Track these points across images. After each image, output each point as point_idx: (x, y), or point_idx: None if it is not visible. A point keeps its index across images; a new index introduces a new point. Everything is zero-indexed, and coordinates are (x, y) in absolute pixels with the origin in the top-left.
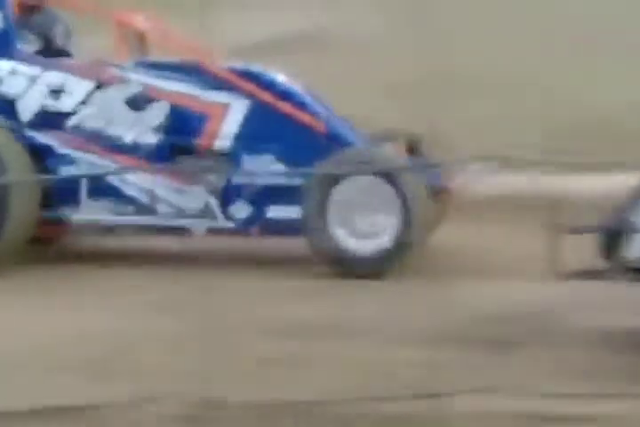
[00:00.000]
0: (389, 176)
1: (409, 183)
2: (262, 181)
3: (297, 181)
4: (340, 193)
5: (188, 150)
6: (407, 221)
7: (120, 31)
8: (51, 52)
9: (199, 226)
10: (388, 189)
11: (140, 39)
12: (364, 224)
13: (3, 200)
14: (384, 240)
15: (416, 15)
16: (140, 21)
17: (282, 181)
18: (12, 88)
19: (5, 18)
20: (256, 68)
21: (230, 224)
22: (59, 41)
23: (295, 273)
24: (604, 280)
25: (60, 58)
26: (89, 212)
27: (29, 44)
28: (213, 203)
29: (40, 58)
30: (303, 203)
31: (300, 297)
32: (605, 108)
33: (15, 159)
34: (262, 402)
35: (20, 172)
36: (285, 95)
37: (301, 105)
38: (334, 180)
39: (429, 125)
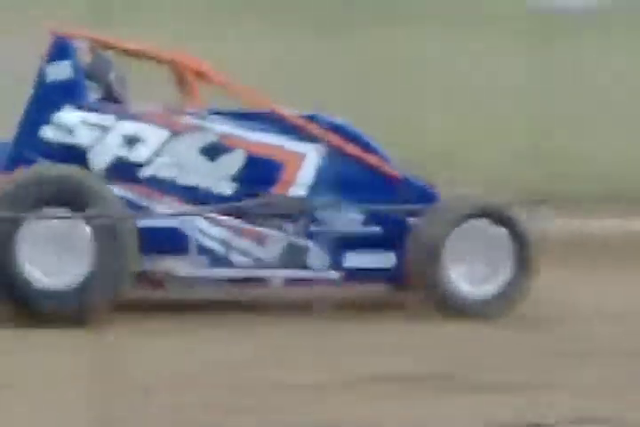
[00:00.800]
0: (504, 220)
1: (523, 227)
2: (340, 228)
3: (375, 229)
4: (450, 238)
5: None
6: (522, 266)
7: (193, 78)
8: (111, 99)
9: (278, 276)
10: (502, 233)
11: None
12: (477, 268)
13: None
14: (498, 284)
15: None
16: (207, 67)
17: (360, 228)
18: (83, 138)
19: (74, 67)
20: (324, 113)
21: (309, 273)
22: (115, 88)
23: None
24: None
25: (133, 106)
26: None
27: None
28: (291, 252)
29: (113, 106)
30: (411, 249)
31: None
32: None
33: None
34: None
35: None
36: (356, 140)
37: (372, 150)
38: (446, 225)
39: None
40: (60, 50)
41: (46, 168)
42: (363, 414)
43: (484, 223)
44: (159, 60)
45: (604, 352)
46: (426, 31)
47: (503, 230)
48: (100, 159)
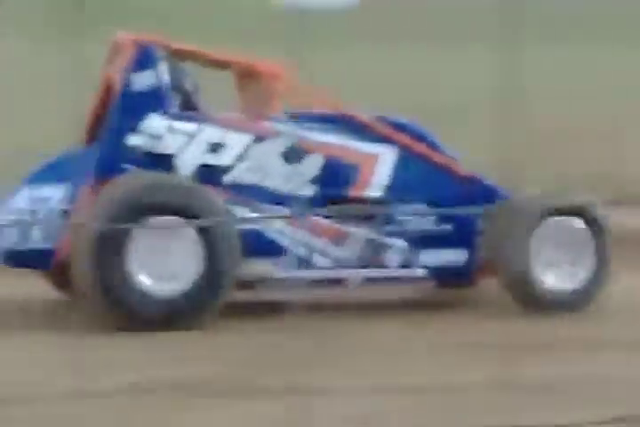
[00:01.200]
0: (586, 217)
1: (604, 223)
2: (415, 227)
3: (448, 227)
4: (538, 233)
5: (341, 201)
6: (603, 260)
7: (270, 83)
8: (189, 106)
9: (357, 276)
10: (584, 230)
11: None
12: (560, 265)
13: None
14: (580, 278)
15: None
16: (283, 72)
17: (432, 226)
18: (170, 145)
19: (158, 75)
20: (396, 115)
21: (386, 273)
22: (192, 95)
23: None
24: None
25: (214, 112)
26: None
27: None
28: (369, 252)
29: (196, 113)
30: (500, 244)
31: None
32: None
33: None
34: None
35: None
36: (424, 140)
37: (440, 149)
38: (531, 222)
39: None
40: (144, 59)
41: (154, 176)
42: None
43: (566, 220)
44: (235, 67)
45: None
46: None
47: (584, 227)
48: (186, 165)
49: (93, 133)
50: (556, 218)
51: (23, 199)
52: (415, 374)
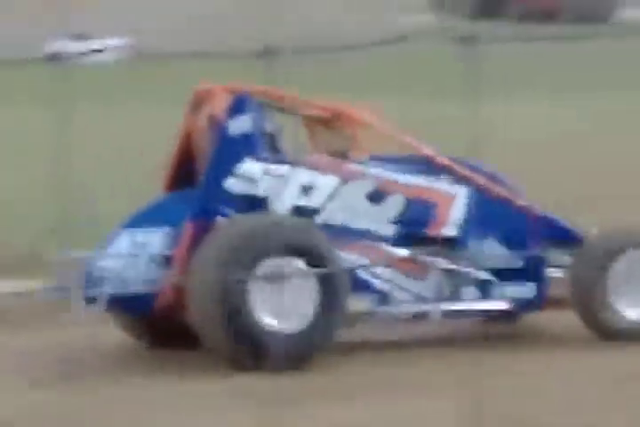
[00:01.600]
0: None
1: None
2: (489, 264)
3: (518, 263)
4: (619, 266)
5: (420, 239)
6: None
7: (354, 127)
8: (273, 148)
9: (437, 310)
10: None
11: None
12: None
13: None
14: None
15: None
16: (366, 116)
17: (505, 263)
18: (265, 188)
19: (253, 121)
20: (466, 156)
21: (462, 306)
22: (277, 138)
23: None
24: None
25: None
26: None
27: None
28: (446, 287)
29: (287, 157)
30: (576, 277)
31: None
32: None
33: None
34: None
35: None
36: (494, 179)
37: (510, 189)
38: (614, 253)
39: None
40: (240, 105)
41: (272, 219)
42: None
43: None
44: (322, 112)
45: None
46: None
47: None
48: (280, 207)
49: (174, 180)
50: (634, 252)
51: (124, 244)
52: None
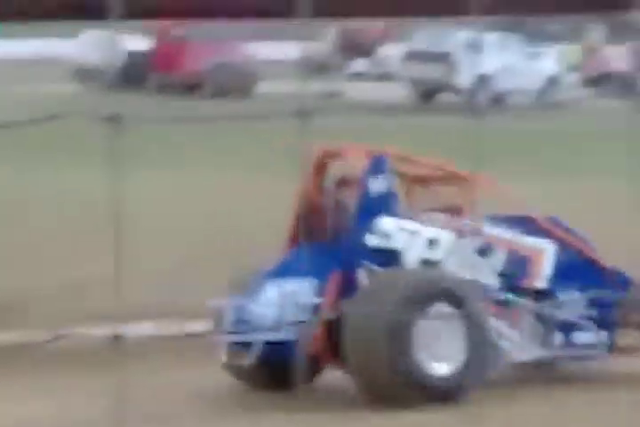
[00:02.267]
0: None
1: None
2: (571, 314)
3: (592, 311)
4: None
5: (517, 290)
6: None
7: (470, 189)
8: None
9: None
10: None
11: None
12: None
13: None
14: None
15: None
16: (482, 179)
17: (584, 311)
18: (399, 243)
19: (389, 180)
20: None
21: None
22: None
23: None
24: None
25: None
26: None
27: None
28: (539, 334)
29: (415, 213)
30: None
31: None
32: None
33: None
34: None
35: None
36: (574, 235)
37: (586, 242)
38: None
39: None
40: (378, 166)
41: (425, 271)
42: None
43: None
44: (429, 171)
45: None
46: None
47: None
48: (411, 261)
49: (296, 238)
50: None
51: (272, 293)
52: None
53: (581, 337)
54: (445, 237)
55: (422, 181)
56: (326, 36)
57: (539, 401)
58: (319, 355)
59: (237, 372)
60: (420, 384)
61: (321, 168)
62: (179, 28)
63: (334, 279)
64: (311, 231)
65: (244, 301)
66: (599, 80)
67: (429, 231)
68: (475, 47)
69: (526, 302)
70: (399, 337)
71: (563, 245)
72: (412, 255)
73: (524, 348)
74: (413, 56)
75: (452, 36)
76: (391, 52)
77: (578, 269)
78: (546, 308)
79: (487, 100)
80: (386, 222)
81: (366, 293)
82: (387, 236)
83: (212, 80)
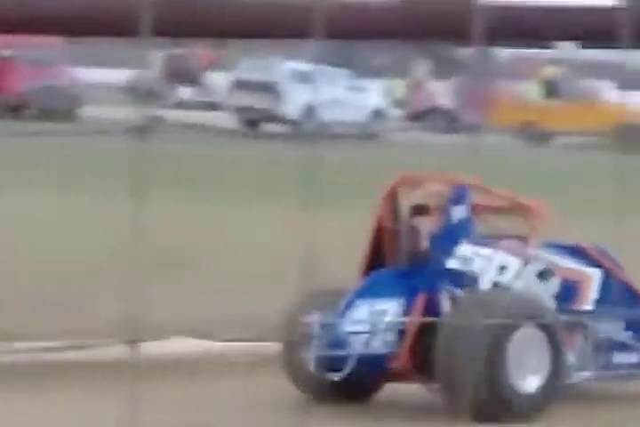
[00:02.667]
0: None
1: None
2: (611, 335)
3: (630, 333)
4: None
5: (568, 313)
6: None
7: (534, 218)
8: None
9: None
10: None
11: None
12: None
13: None
14: None
15: None
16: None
17: (621, 333)
18: (476, 266)
19: (468, 209)
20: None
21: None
22: None
23: None
24: None
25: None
26: None
27: None
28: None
29: (488, 240)
30: None
31: None
32: None
33: None
34: None
35: None
36: (613, 262)
37: (623, 269)
38: None
39: None
40: (460, 195)
41: (519, 292)
42: None
43: None
44: (501, 201)
45: None
46: None
47: None
48: (485, 284)
49: (371, 265)
50: None
51: (363, 311)
52: None
53: (624, 358)
54: (513, 262)
55: (492, 210)
56: (154, 63)
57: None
58: (403, 371)
59: (307, 384)
60: (509, 400)
61: (394, 196)
62: (5, 49)
63: (420, 300)
64: (385, 255)
65: (335, 318)
66: (424, 115)
67: (500, 257)
68: (301, 78)
69: (583, 324)
70: (496, 354)
71: (606, 272)
72: (486, 279)
73: (579, 368)
74: (240, 85)
75: (279, 66)
76: (218, 81)
77: (618, 291)
78: (595, 329)
79: (313, 131)
80: (465, 248)
81: (461, 311)
82: (466, 260)
83: (36, 102)
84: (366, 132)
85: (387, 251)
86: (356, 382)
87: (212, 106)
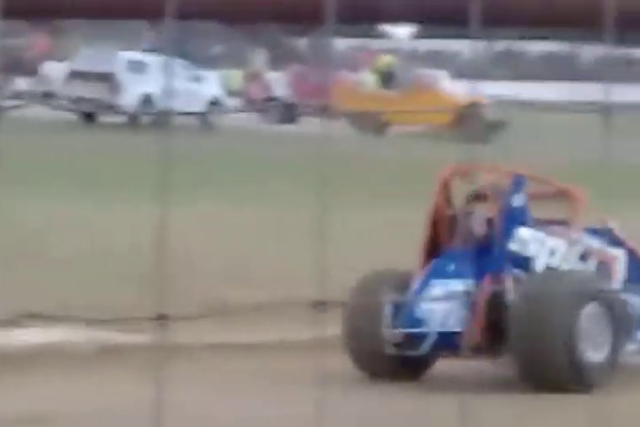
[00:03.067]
0: None
1: None
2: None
3: None
4: None
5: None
6: None
7: (577, 203)
8: None
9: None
10: None
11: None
12: None
13: None
14: None
15: None
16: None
17: None
18: (532, 251)
19: (525, 196)
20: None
21: None
22: None
23: None
24: None
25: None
26: None
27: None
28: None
29: (541, 224)
30: None
31: None
32: None
33: None
34: None
35: None
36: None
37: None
38: None
39: None
40: (519, 183)
41: (581, 273)
42: None
43: None
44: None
45: None
46: None
47: None
48: (538, 266)
49: (431, 251)
50: None
51: (437, 290)
52: None
53: None
54: (560, 245)
55: (540, 196)
56: None
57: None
58: (475, 347)
59: (368, 361)
60: (583, 370)
61: (447, 185)
62: None
63: (487, 281)
64: (442, 240)
65: (410, 298)
66: (261, 105)
67: (550, 240)
68: (138, 68)
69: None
70: (570, 328)
71: (630, 253)
72: (540, 261)
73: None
74: (76, 75)
75: (115, 56)
76: (54, 71)
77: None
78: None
79: (150, 121)
80: (523, 232)
81: (533, 290)
82: (524, 244)
83: None
84: (205, 123)
85: (443, 236)
86: (418, 358)
87: (49, 96)
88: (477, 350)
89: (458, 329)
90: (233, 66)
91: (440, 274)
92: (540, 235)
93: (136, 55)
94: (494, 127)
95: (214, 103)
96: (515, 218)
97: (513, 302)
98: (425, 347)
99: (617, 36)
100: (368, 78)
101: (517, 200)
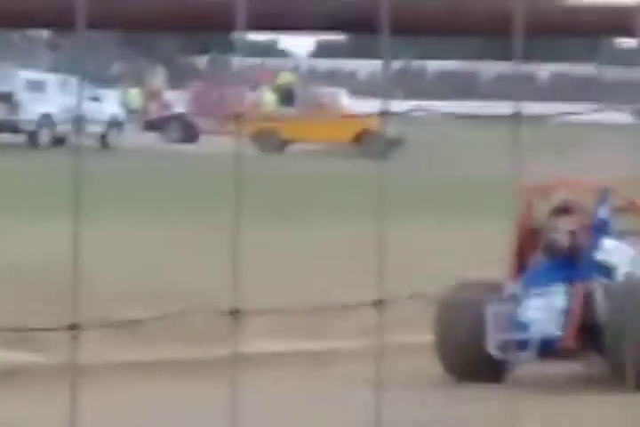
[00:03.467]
0: None
1: None
2: None
3: None
4: None
5: None
6: None
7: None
8: None
9: None
10: None
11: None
12: None
13: None
14: None
15: None
16: None
17: None
18: (615, 260)
19: (609, 208)
20: None
21: None
22: None
23: None
24: None
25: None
26: None
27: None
28: None
29: (622, 236)
30: None
31: None
32: None
33: None
34: None
35: None
36: None
37: None
38: None
39: None
40: (605, 196)
41: None
42: None
43: None
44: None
45: None
46: None
47: None
48: (620, 273)
49: (520, 264)
50: None
51: (537, 300)
52: None
53: None
54: (634, 254)
55: (619, 209)
56: None
57: None
58: (570, 349)
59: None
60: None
61: (531, 201)
62: None
63: (580, 288)
64: (527, 251)
65: (510, 306)
66: (160, 124)
67: (629, 250)
68: (36, 87)
69: None
70: None
71: None
72: (621, 270)
73: None
74: None
75: (14, 75)
76: None
77: None
78: None
79: (50, 141)
80: (608, 243)
81: (623, 296)
82: (609, 253)
83: None
84: (103, 142)
85: (529, 248)
86: (505, 361)
87: None
88: (572, 354)
89: (558, 334)
90: (132, 85)
91: (535, 283)
92: (621, 245)
93: (34, 74)
94: (393, 144)
95: (113, 123)
96: (601, 229)
97: (606, 309)
98: (529, 351)
99: (524, 48)
100: (268, 97)
101: (603, 212)
